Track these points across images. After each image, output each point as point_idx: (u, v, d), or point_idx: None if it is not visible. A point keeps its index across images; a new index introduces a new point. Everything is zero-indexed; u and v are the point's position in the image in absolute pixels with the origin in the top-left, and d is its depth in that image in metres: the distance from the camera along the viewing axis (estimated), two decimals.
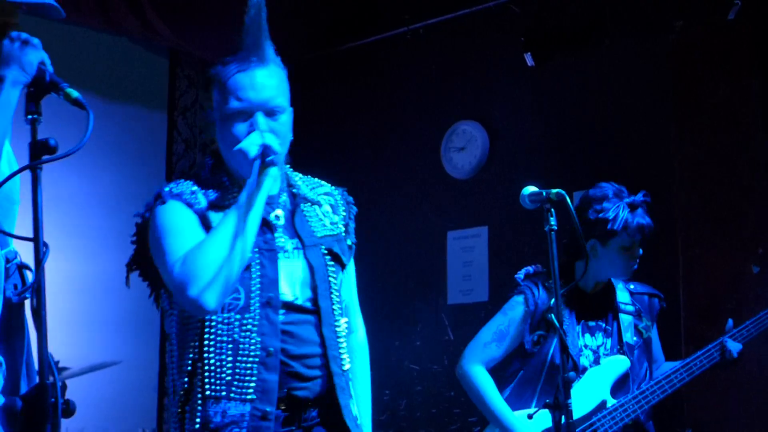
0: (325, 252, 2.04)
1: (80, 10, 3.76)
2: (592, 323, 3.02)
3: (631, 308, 3.08)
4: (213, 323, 1.90)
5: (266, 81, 1.97)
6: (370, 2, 4.78)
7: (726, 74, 3.73)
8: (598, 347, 3.04)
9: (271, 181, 1.90)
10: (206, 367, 1.88)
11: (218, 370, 1.88)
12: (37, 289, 1.54)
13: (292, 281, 1.98)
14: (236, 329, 1.89)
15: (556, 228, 2.35)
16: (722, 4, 3.59)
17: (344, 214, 2.15)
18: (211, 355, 1.89)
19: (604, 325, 3.05)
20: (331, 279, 2.04)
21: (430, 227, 4.56)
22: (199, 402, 1.89)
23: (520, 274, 3.05)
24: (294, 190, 2.06)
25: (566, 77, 4.19)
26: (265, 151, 1.89)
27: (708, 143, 3.77)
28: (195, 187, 1.96)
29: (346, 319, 2.08)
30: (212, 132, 2.06)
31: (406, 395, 4.62)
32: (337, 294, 2.06)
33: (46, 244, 1.59)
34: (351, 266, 2.18)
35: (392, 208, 4.73)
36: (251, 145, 1.89)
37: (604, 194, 2.99)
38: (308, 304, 1.99)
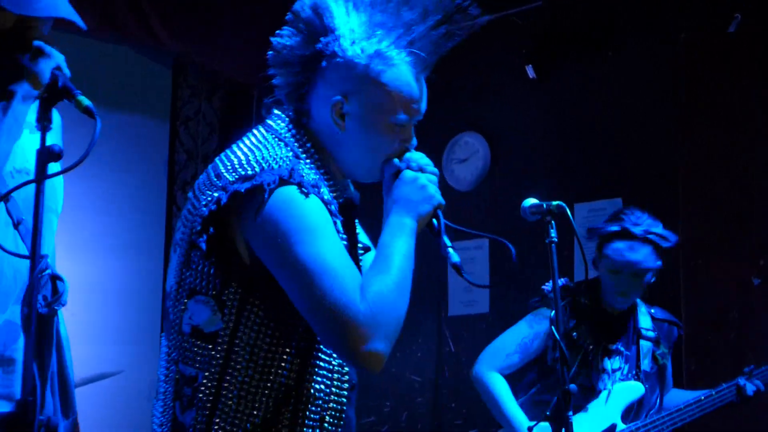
0: None
1: (83, 18, 3.82)
2: (612, 346, 3.04)
3: (652, 334, 3.09)
4: (318, 345, 1.59)
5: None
6: None
7: (730, 83, 3.74)
8: (614, 371, 3.06)
9: None
10: (305, 396, 1.56)
11: (318, 401, 1.58)
12: (29, 302, 1.53)
13: None
14: (335, 356, 1.60)
15: (556, 240, 2.30)
16: (724, 17, 3.62)
17: None
18: (313, 384, 1.58)
19: (624, 349, 3.06)
20: None
21: (431, 239, 4.50)
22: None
23: (548, 285, 2.99)
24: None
25: (568, 89, 4.21)
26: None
27: (712, 151, 3.78)
28: (312, 177, 1.57)
29: None
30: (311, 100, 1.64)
31: (408, 407, 4.62)
32: None
33: (43, 256, 1.60)
34: None
35: None
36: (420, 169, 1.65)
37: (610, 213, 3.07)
38: None
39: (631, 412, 3.03)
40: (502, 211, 4.20)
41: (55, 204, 1.95)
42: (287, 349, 1.53)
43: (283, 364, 1.52)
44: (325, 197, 1.55)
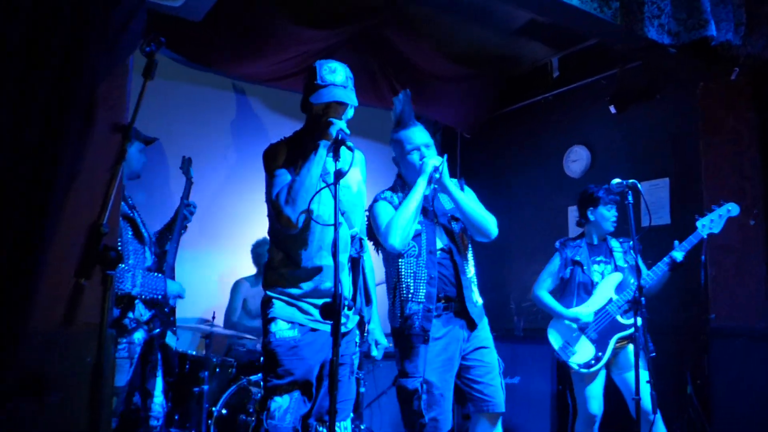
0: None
1: (365, 96, 4.30)
2: (599, 258, 3.52)
3: (620, 249, 3.53)
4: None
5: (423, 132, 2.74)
6: (521, 83, 5.21)
7: (733, 112, 4.05)
8: (603, 271, 3.49)
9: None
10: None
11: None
12: (335, 250, 1.90)
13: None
14: None
15: (632, 202, 2.88)
16: (728, 69, 3.99)
17: None
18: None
19: (605, 259, 3.51)
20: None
21: (558, 206, 5.04)
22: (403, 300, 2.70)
23: (557, 243, 3.58)
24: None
25: (635, 118, 4.58)
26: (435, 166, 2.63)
27: (723, 152, 4.09)
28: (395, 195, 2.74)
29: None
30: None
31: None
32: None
33: (339, 224, 1.92)
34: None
35: (538, 196, 5.22)
36: (425, 164, 2.60)
37: (592, 186, 3.55)
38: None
39: (620, 289, 3.41)
40: None
41: (361, 203, 2.39)
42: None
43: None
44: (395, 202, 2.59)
